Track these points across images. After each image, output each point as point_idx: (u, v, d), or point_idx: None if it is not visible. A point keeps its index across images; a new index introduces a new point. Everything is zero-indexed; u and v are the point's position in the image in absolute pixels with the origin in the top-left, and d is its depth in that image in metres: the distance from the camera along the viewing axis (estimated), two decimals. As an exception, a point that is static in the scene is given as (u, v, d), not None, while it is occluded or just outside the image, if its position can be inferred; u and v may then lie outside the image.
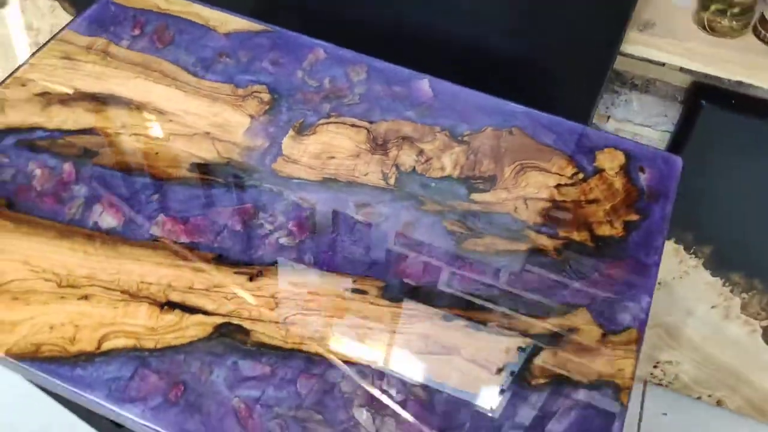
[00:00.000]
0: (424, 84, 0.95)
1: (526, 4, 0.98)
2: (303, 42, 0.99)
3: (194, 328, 0.71)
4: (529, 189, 0.85)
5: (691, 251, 1.26)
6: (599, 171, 0.87)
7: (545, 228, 0.81)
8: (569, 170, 0.86)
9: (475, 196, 0.84)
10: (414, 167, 0.86)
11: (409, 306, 0.74)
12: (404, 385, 0.69)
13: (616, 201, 0.84)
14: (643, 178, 0.86)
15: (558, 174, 0.86)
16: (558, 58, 1.03)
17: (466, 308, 0.74)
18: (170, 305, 0.72)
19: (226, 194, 0.82)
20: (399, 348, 0.71)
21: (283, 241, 0.78)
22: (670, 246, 1.26)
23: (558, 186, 0.85)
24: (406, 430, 0.66)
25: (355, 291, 0.75)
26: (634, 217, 0.83)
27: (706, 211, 1.21)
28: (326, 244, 0.78)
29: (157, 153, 0.85)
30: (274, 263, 0.76)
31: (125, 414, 0.66)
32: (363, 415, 0.67)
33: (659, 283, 1.33)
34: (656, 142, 1.21)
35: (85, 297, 0.72)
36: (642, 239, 0.81)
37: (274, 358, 0.69)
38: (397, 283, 0.76)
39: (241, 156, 0.85)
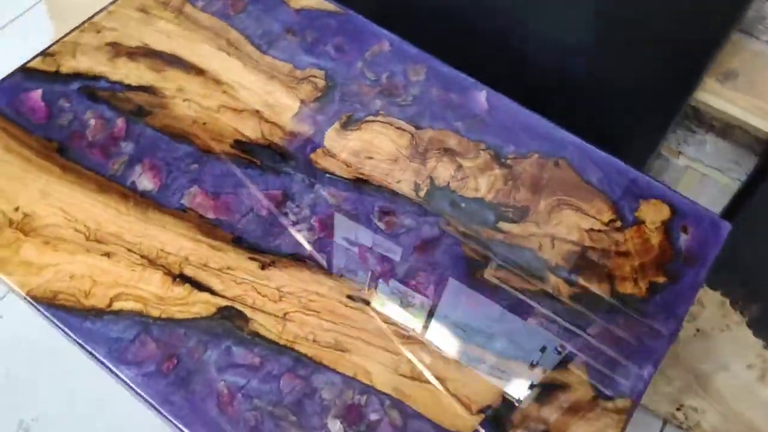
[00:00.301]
0: (482, 96, 0.91)
1: (604, 34, 0.92)
2: (371, 30, 0.97)
3: (200, 305, 0.73)
4: (560, 228, 0.81)
5: (737, 307, 1.18)
6: (639, 222, 0.82)
7: (565, 272, 0.78)
8: (607, 215, 0.82)
9: (503, 225, 0.81)
10: (448, 183, 0.84)
11: (407, 325, 0.73)
12: (382, 405, 0.69)
13: (648, 258, 0.79)
14: (684, 239, 0.81)
15: (594, 218, 0.82)
16: (626, 94, 0.96)
17: (463, 340, 0.73)
18: (182, 278, 0.74)
19: (260, 177, 0.82)
20: (386, 367, 0.71)
21: (302, 234, 0.78)
22: (716, 297, 1.19)
23: (591, 230, 0.81)
24: (374, 449, 0.67)
25: (358, 299, 0.74)
26: (661, 279, 0.78)
27: (760, 271, 1.12)
28: (343, 246, 0.78)
29: (204, 123, 0.86)
30: (289, 256, 0.77)
31: (119, 374, 0.69)
32: (336, 426, 0.67)
33: (697, 330, 1.26)
34: (724, 188, 1.13)
35: (108, 254, 0.75)
36: (664, 304, 0.76)
37: (266, 351, 0.71)
38: (401, 299, 0.75)
39: (283, 140, 0.85)
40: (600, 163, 0.86)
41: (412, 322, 0.74)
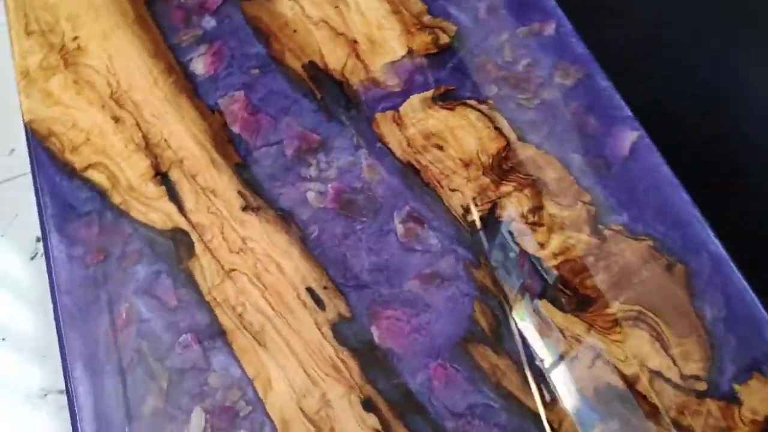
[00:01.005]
0: (629, 137, 0.68)
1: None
2: (544, 5, 0.76)
3: (160, 214, 0.64)
4: (618, 349, 0.58)
5: None
6: (733, 399, 0.55)
7: (586, 411, 0.56)
8: (693, 368, 0.57)
9: (545, 306, 0.60)
10: (512, 220, 0.64)
11: (346, 358, 0.58)
12: (260, 429, 0.55)
13: (714, 456, 0.54)
14: (786, 462, 0.53)
15: (673, 360, 0.57)
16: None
17: (398, 413, 0.56)
18: (163, 179, 0.66)
19: (311, 112, 0.70)
20: (292, 390, 0.57)
21: (310, 195, 0.65)
22: None
23: (657, 374, 0.57)
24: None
25: (314, 297, 0.60)
26: (714, 495, 0.52)
27: None
28: (340, 231, 0.63)
29: (295, 31, 0.75)
30: (280, 210, 0.64)
31: (49, 239, 0.64)
32: (197, 419, 0.56)
33: None
34: None
35: (117, 120, 0.69)
36: None
37: (187, 297, 0.61)
38: (360, 325, 0.59)
39: (360, 85, 0.71)
40: (732, 298, 0.59)
41: (355, 356, 0.58)
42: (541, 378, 0.57)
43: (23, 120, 0.69)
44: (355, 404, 0.56)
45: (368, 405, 0.56)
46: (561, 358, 0.57)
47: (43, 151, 0.67)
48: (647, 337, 0.58)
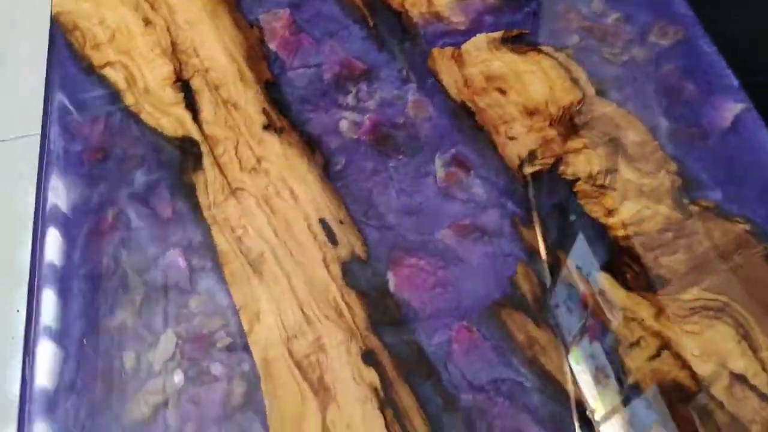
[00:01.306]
0: (733, 109, 0.58)
1: None
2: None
3: (172, 120, 0.59)
4: (694, 344, 0.48)
5: None
6: (840, 429, 0.44)
7: (642, 409, 0.46)
8: (789, 380, 0.46)
9: (603, 281, 0.50)
10: (576, 180, 0.55)
11: (352, 302, 0.50)
12: (237, 365, 0.48)
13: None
14: None
15: (763, 367, 0.46)
16: None
17: (404, 373, 0.47)
18: (184, 86, 0.61)
19: (361, 39, 0.64)
20: (282, 328, 0.49)
21: (343, 124, 0.59)
22: None
23: (739, 379, 0.46)
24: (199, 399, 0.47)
25: (327, 230, 0.53)
26: None
27: None
28: (371, 166, 0.56)
29: (359, -43, 0.69)
30: (305, 135, 0.58)
31: (49, 129, 0.59)
32: (167, 342, 0.49)
33: None
34: None
35: (147, 21, 0.65)
36: None
37: (184, 211, 0.55)
38: (376, 268, 0.51)
39: (420, 18, 0.65)
40: None
41: (366, 304, 0.50)
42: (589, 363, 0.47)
43: (50, 13, 0.66)
44: (354, 354, 0.48)
45: (369, 358, 0.47)
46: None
47: (64, 43, 0.64)
48: (732, 334, 0.48)
